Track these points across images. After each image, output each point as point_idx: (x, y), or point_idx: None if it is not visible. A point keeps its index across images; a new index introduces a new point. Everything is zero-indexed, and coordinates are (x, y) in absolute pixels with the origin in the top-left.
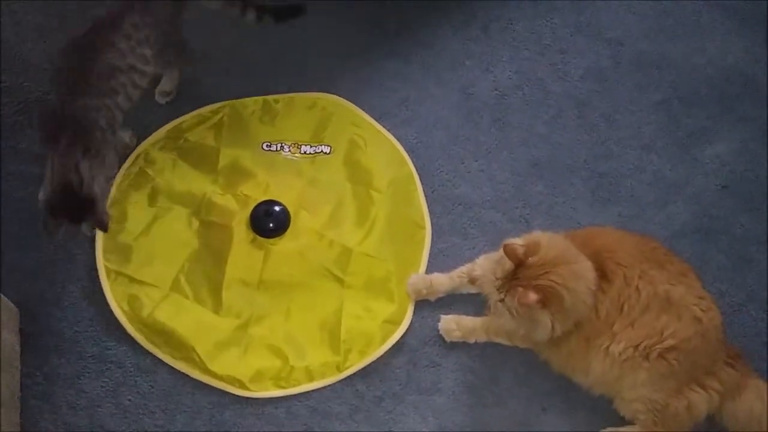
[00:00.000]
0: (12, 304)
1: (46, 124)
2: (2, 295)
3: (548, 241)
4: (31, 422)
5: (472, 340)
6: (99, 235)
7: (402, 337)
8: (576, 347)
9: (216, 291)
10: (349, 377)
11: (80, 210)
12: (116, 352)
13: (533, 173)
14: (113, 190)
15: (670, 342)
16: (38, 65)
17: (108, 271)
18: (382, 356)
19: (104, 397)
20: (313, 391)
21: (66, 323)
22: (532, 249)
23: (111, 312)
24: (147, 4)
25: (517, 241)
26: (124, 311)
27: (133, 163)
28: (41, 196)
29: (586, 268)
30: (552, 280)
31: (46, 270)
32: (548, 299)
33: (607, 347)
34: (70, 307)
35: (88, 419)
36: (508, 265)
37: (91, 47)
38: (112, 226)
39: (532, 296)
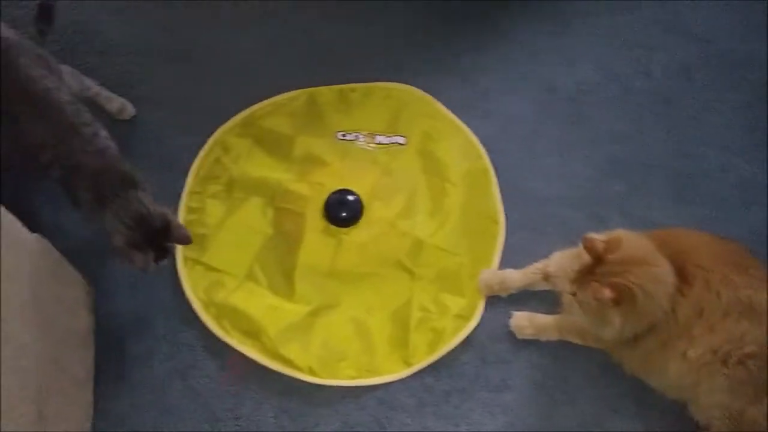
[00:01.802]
0: (88, 284)
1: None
2: (80, 276)
3: (629, 240)
4: (103, 400)
5: (543, 339)
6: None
7: (472, 332)
8: (652, 350)
9: (288, 278)
10: (418, 372)
11: (162, 235)
12: (187, 335)
13: (611, 171)
14: (191, 182)
15: (750, 348)
16: (120, 47)
17: (186, 260)
18: (451, 351)
19: (174, 379)
20: (382, 383)
21: (139, 305)
22: (612, 246)
23: (183, 295)
24: None
25: (598, 237)
26: (199, 298)
27: (210, 151)
28: (118, 242)
29: (665, 271)
30: (629, 280)
31: None
32: (622, 298)
33: (685, 351)
34: (143, 289)
35: (157, 400)
36: (586, 259)
37: None
38: (190, 217)
39: (607, 293)
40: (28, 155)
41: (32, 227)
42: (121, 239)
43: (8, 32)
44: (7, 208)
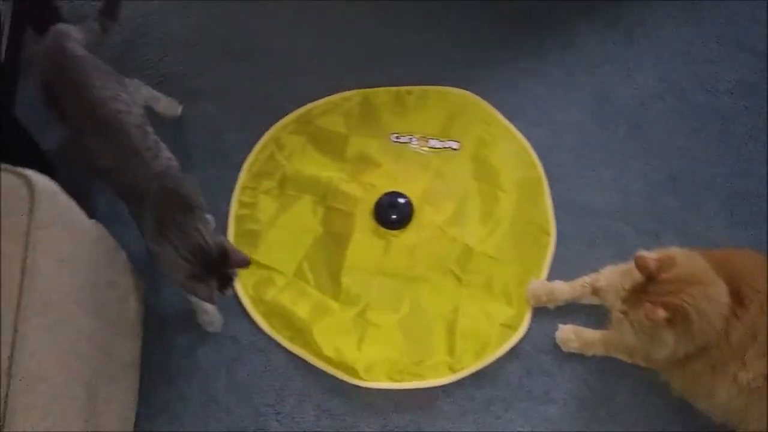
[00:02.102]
0: (138, 274)
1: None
2: (131, 265)
3: (684, 259)
4: (148, 388)
5: (589, 353)
6: (231, 221)
7: (518, 342)
8: (702, 371)
9: (335, 277)
10: (461, 379)
11: (222, 263)
12: (233, 328)
13: (668, 187)
14: (244, 177)
15: None
16: (180, 40)
17: None
18: (495, 360)
19: (218, 371)
20: (424, 388)
21: (186, 298)
22: (665, 264)
23: (235, 292)
24: None
25: (651, 255)
26: (248, 294)
27: (264, 147)
28: (180, 276)
29: (720, 291)
30: (683, 300)
31: None
32: (676, 318)
33: (736, 375)
34: None
35: (201, 391)
36: (638, 277)
37: None
38: (242, 212)
39: (660, 313)
40: (97, 174)
41: (89, 213)
42: (182, 273)
43: (81, 51)
44: (66, 192)
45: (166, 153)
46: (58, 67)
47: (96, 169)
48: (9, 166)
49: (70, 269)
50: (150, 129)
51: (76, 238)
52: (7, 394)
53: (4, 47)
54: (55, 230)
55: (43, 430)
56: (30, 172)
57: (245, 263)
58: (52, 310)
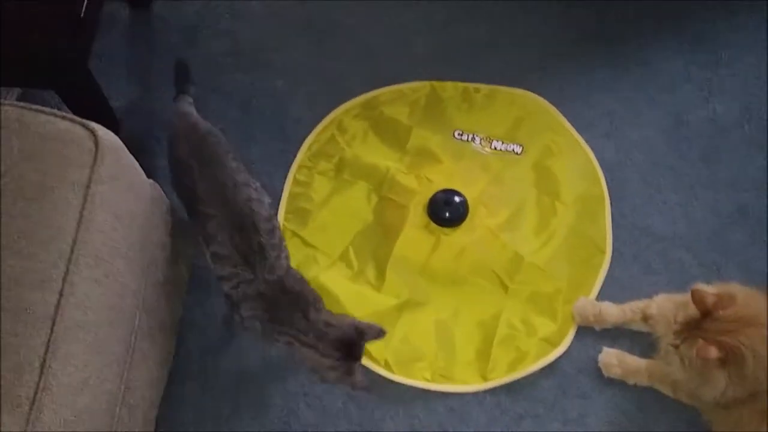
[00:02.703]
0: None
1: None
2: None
3: (745, 298)
4: (183, 352)
5: (631, 382)
6: (284, 197)
7: (557, 359)
8: (748, 418)
9: (380, 268)
10: (493, 388)
11: (359, 345)
12: None
13: (736, 219)
14: (302, 155)
15: None
16: (260, 12)
17: (285, 230)
18: (531, 374)
19: (255, 346)
20: (455, 392)
21: None
22: (724, 302)
23: None
24: None
25: (709, 289)
26: None
27: (326, 128)
28: (329, 375)
29: None
30: (739, 341)
31: None
32: (730, 359)
33: None
34: None
35: (235, 362)
36: (693, 311)
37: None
38: (297, 189)
39: (714, 352)
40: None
41: (148, 173)
42: (330, 372)
43: (212, 129)
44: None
45: (285, 253)
46: (194, 147)
47: (210, 253)
48: (78, 118)
49: (124, 226)
50: (277, 224)
51: (134, 196)
52: (49, 340)
53: (85, 2)
54: (115, 186)
55: (81, 379)
56: (97, 126)
57: (382, 334)
58: (103, 264)
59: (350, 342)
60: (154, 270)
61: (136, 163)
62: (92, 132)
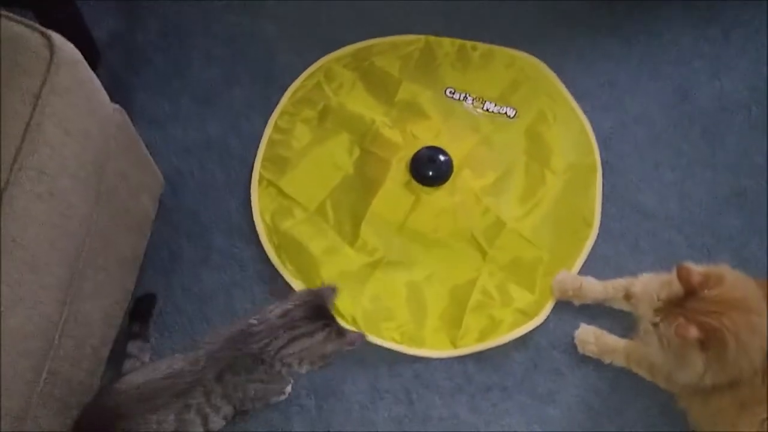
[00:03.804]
0: (160, 174)
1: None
2: (153, 162)
3: (734, 280)
4: (144, 290)
5: (607, 361)
6: (263, 142)
7: (531, 332)
8: (727, 407)
9: (356, 223)
10: (462, 356)
11: (327, 304)
12: (242, 253)
13: (733, 203)
14: (285, 101)
15: None
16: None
17: (261, 178)
18: (503, 345)
19: (217, 293)
20: (422, 356)
21: (204, 209)
22: (711, 281)
23: (249, 213)
24: None
25: (696, 268)
26: (264, 220)
27: (313, 75)
28: (331, 350)
29: (766, 324)
30: (722, 323)
31: (201, 152)
32: (710, 342)
33: (764, 420)
34: (213, 195)
35: (196, 307)
36: (677, 289)
37: None
38: (277, 136)
39: (693, 331)
40: None
41: (123, 104)
42: (329, 346)
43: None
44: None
45: None
46: None
47: None
48: (35, 24)
49: (76, 143)
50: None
51: (90, 114)
52: None
53: None
54: (69, 100)
55: (13, 298)
56: (55, 35)
57: (335, 290)
58: (47, 180)
59: (319, 305)
60: (112, 199)
61: (98, 82)
62: (48, 40)
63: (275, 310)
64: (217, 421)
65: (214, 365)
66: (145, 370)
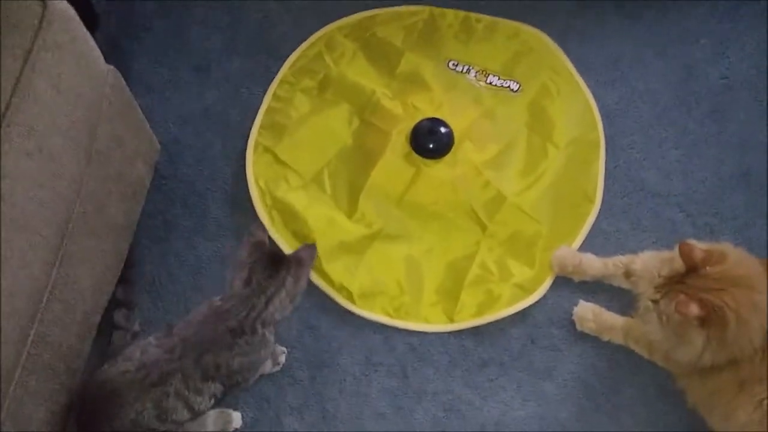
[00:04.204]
0: (156, 141)
1: None
2: (149, 128)
3: (737, 258)
4: (137, 257)
5: (605, 338)
6: (261, 111)
7: (529, 308)
8: (725, 387)
9: (354, 194)
10: (459, 330)
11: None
12: (237, 222)
13: (738, 183)
14: (285, 71)
15: None
16: None
17: (257, 144)
18: (500, 320)
19: (211, 262)
20: (418, 330)
21: (200, 178)
22: (714, 258)
23: (247, 185)
24: None
25: (698, 245)
26: (259, 187)
27: (314, 44)
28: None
29: None
30: (724, 301)
31: (199, 121)
32: (711, 319)
33: (763, 400)
34: (209, 162)
35: (190, 277)
36: (678, 266)
37: None
38: (275, 104)
39: (694, 308)
40: None
41: (121, 70)
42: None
43: None
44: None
45: None
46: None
47: None
48: None
49: (67, 102)
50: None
51: (82, 72)
52: None
53: None
54: (61, 57)
55: (2, 256)
56: None
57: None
58: (37, 137)
59: (269, 255)
60: (105, 162)
61: (92, 41)
62: None
63: (235, 281)
64: (203, 402)
65: (192, 351)
66: (119, 361)
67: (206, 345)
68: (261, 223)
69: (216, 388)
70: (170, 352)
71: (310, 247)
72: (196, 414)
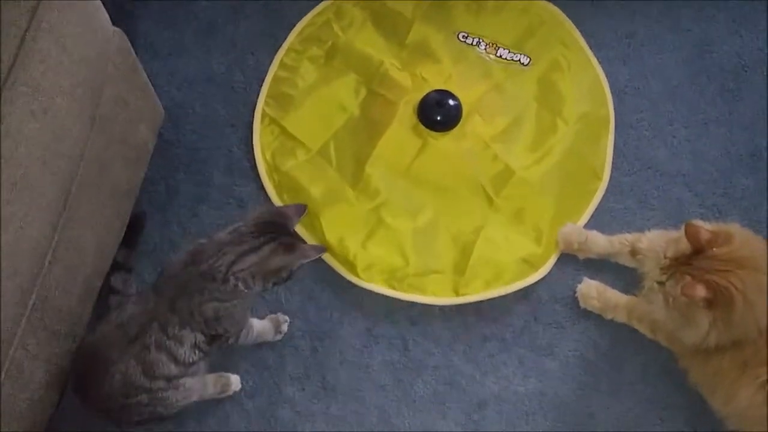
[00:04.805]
0: (160, 105)
1: None
2: (153, 92)
3: (743, 239)
4: (139, 222)
5: (608, 316)
6: (267, 80)
7: (533, 284)
8: (728, 367)
9: (360, 165)
10: (461, 304)
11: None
12: (241, 191)
13: (748, 164)
14: (293, 38)
15: None
16: None
17: (264, 115)
18: (504, 296)
19: (214, 229)
20: (421, 303)
21: (204, 145)
22: (720, 239)
23: (251, 152)
24: None
25: (705, 225)
26: (265, 159)
27: (322, 12)
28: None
29: None
30: (730, 282)
31: (205, 87)
32: (717, 301)
33: (764, 382)
34: (214, 129)
35: (191, 245)
36: (685, 247)
37: None
38: (282, 73)
39: (701, 291)
40: None
41: (126, 33)
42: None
43: None
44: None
45: None
46: None
47: None
48: None
49: (72, 62)
50: None
51: (88, 34)
52: None
53: None
54: (67, 16)
55: (5, 216)
56: None
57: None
58: (42, 97)
59: (268, 220)
60: (109, 125)
61: (98, 2)
62: None
63: (227, 228)
64: (187, 353)
65: (165, 296)
66: (101, 324)
67: (179, 290)
68: (304, 206)
69: (198, 337)
70: (145, 303)
71: (315, 248)
72: (182, 365)
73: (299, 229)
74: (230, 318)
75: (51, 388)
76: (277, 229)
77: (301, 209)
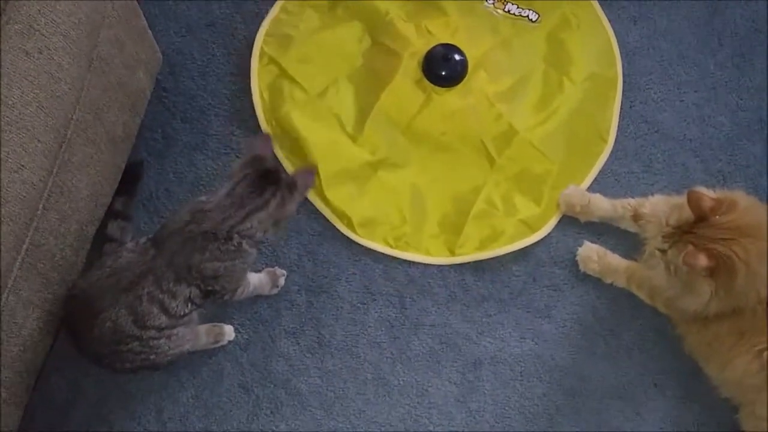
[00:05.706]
0: (158, 50)
1: None
2: (152, 37)
3: (747, 206)
4: (137, 171)
5: (608, 281)
6: (265, 22)
7: (533, 245)
8: (725, 335)
9: (361, 117)
10: (460, 264)
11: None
12: (239, 140)
13: (755, 130)
14: None
15: None
16: None
17: (262, 54)
18: (502, 256)
19: (211, 179)
20: (418, 262)
21: (203, 92)
22: (723, 207)
23: (251, 101)
24: None
25: (708, 193)
26: (262, 100)
27: None
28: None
29: None
30: (733, 251)
31: (203, 33)
32: (719, 270)
33: (762, 350)
34: (213, 77)
35: (188, 194)
36: (687, 214)
37: None
38: (284, 17)
39: (703, 259)
40: None
41: None
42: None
43: None
44: None
45: None
46: None
47: None
48: None
49: (69, 1)
50: None
51: None
52: None
53: None
54: None
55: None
56: None
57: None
58: (37, 36)
59: (261, 172)
60: (106, 69)
61: None
62: None
63: (222, 188)
64: (179, 306)
65: (164, 251)
66: (93, 269)
67: (178, 246)
68: (267, 135)
69: (192, 292)
70: (143, 254)
71: (308, 173)
72: (173, 318)
73: None
74: (229, 277)
75: (43, 333)
76: (271, 179)
77: (267, 139)
